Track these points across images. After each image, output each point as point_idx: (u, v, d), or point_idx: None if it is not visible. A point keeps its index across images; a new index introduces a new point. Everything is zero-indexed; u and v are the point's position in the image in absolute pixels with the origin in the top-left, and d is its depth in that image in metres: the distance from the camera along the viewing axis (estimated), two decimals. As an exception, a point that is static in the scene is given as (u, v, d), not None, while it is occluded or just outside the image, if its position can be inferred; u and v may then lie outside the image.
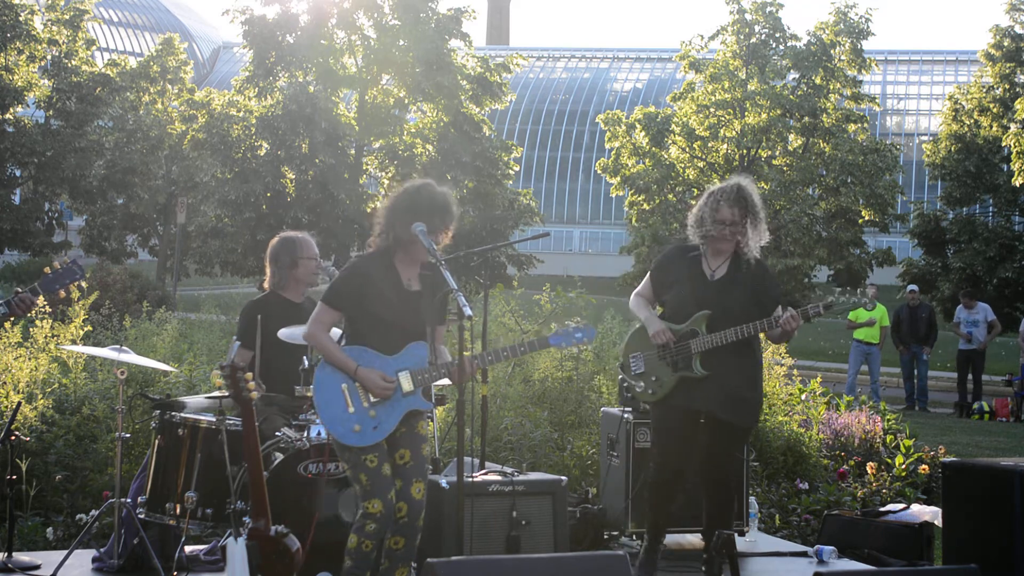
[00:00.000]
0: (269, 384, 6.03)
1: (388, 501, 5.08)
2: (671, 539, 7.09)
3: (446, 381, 5.30)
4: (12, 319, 5.54)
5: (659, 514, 6.16)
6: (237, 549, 5.16)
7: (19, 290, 5.35)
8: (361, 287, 5.16)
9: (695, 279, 5.95)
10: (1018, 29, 28.01)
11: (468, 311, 4.96)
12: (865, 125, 26.33)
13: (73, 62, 28.31)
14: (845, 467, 8.93)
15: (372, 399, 5.10)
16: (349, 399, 5.10)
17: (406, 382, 5.12)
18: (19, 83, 26.96)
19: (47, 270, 5.44)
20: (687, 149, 26.00)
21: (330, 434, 5.20)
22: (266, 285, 6.41)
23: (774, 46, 26.43)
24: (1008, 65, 27.82)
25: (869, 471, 8.71)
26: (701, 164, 25.92)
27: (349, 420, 5.08)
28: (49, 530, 6.86)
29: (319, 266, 6.33)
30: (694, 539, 6.86)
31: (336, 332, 5.38)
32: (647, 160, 26.22)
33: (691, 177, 25.98)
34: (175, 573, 5.77)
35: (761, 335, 6.07)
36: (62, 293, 5.48)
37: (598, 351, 9.52)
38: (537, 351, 5.38)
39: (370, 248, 5.32)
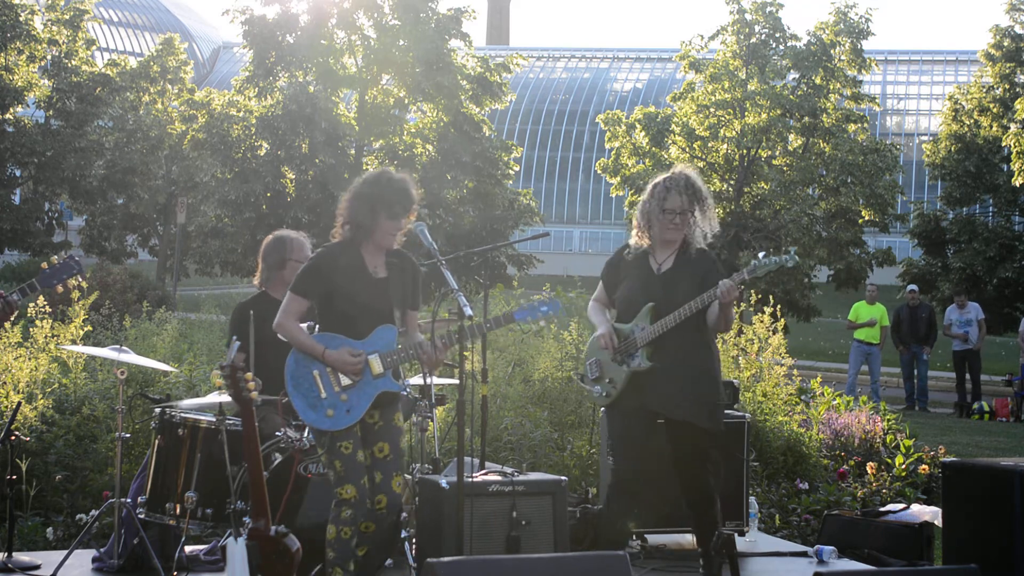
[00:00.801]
0: (266, 384, 6.02)
1: (361, 487, 5.15)
2: (671, 539, 7.09)
3: (448, 380, 5.31)
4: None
5: (622, 519, 6.02)
6: (237, 549, 5.16)
7: (1, 293, 5.34)
8: (327, 276, 5.24)
9: (642, 274, 5.94)
10: (1018, 29, 28.00)
11: (468, 311, 4.98)
12: (865, 125, 26.27)
13: (73, 62, 28.25)
14: (845, 467, 8.93)
15: (343, 383, 5.17)
16: (321, 384, 5.18)
17: (376, 364, 5.18)
18: (19, 83, 26.91)
19: (44, 266, 5.44)
20: (687, 149, 25.97)
21: (303, 420, 5.27)
22: (255, 282, 6.41)
23: (774, 46, 26.37)
24: (1008, 65, 27.80)
25: (869, 471, 8.71)
26: (701, 164, 25.85)
27: (322, 405, 5.16)
28: (49, 530, 6.86)
29: None
30: (693, 539, 6.86)
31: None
32: (647, 160, 26.17)
33: (691, 177, 25.94)
34: (175, 573, 5.77)
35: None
36: (60, 288, 5.48)
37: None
38: (504, 327, 5.41)
39: (334, 238, 5.39)
